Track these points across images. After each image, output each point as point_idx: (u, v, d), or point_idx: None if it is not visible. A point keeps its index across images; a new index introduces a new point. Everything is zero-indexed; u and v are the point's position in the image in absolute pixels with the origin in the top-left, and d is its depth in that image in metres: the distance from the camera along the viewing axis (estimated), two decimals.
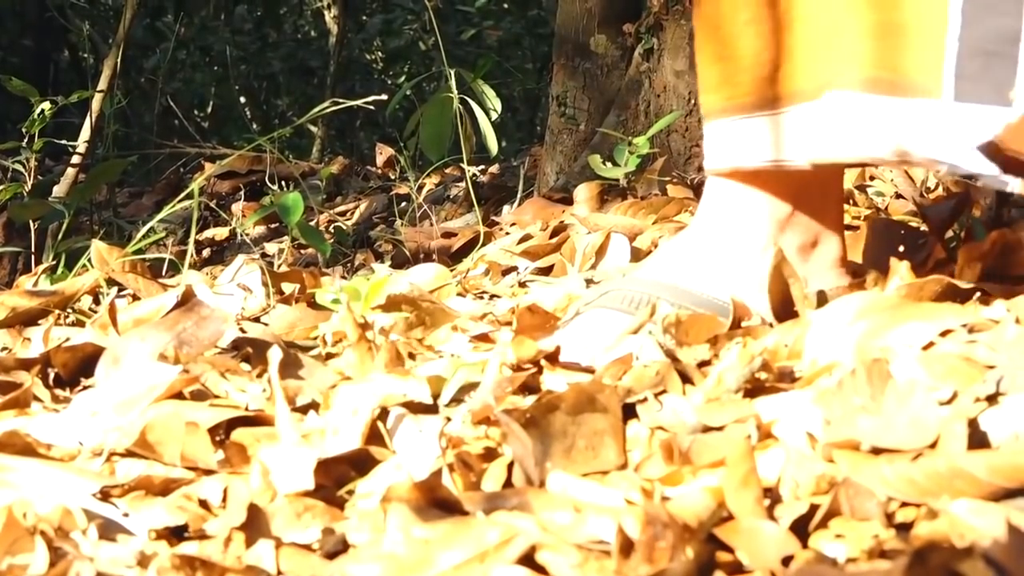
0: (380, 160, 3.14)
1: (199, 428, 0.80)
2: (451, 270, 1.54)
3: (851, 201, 1.61)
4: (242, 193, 2.80)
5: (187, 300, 1.13)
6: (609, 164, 1.95)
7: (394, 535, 0.64)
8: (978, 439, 0.66)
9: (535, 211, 1.95)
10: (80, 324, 1.31)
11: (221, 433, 0.83)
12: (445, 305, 1.23)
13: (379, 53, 6.68)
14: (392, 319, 1.13)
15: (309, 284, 1.46)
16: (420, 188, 2.59)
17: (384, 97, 1.80)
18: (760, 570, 0.59)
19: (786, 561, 0.60)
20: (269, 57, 6.22)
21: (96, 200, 2.51)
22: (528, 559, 0.61)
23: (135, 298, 1.41)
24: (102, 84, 2.45)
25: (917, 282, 0.91)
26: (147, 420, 0.81)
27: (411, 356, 0.99)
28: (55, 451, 0.82)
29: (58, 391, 1.02)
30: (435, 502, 0.67)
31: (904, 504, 0.63)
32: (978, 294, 0.94)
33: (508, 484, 0.72)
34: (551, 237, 1.64)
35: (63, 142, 2.43)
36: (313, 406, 0.88)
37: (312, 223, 2.17)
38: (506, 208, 2.31)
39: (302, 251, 2.09)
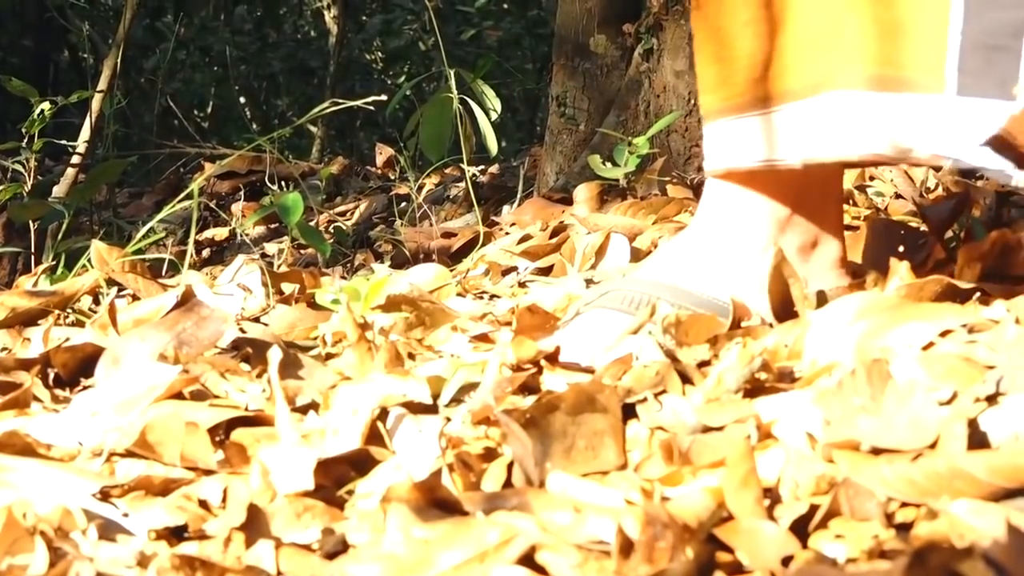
0: (380, 160, 3.14)
1: (199, 428, 0.80)
2: (451, 270, 1.54)
3: (851, 201, 1.61)
4: (242, 193, 2.80)
5: (187, 300, 1.13)
6: (609, 164, 1.95)
7: (394, 535, 0.64)
8: (978, 439, 0.66)
9: (535, 211, 1.95)
10: (80, 324, 1.31)
11: (221, 433, 0.83)
12: (445, 305, 1.23)
13: (379, 53, 6.68)
14: (392, 319, 1.13)
15: (309, 284, 1.46)
16: (420, 188, 2.59)
17: (384, 97, 1.80)
18: (760, 570, 0.59)
19: (786, 561, 0.60)
20: (269, 57, 6.22)
21: (96, 200, 2.51)
22: (528, 559, 0.61)
23: (135, 298, 1.41)
24: (102, 84, 2.45)
25: (917, 282, 0.91)
26: (147, 420, 0.81)
27: (411, 356, 0.99)
28: (55, 451, 0.82)
29: (58, 391, 1.02)
30: (435, 502, 0.67)
31: (904, 504, 0.63)
32: (978, 294, 0.94)
33: (508, 484, 0.72)
34: (551, 237, 1.64)
35: (63, 142, 2.43)
36: (313, 406, 0.88)
37: (312, 223, 2.17)
38: (506, 208, 2.31)
39: (302, 251, 2.09)
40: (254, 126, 6.11)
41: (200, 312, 1.01)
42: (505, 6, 6.39)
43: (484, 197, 2.40)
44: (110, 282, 1.44)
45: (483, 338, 1.06)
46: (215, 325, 1.01)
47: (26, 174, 2.10)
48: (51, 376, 1.05)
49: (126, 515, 0.72)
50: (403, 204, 2.48)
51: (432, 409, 0.83)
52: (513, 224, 1.94)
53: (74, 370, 1.05)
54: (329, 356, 1.06)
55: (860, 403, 0.70)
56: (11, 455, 0.80)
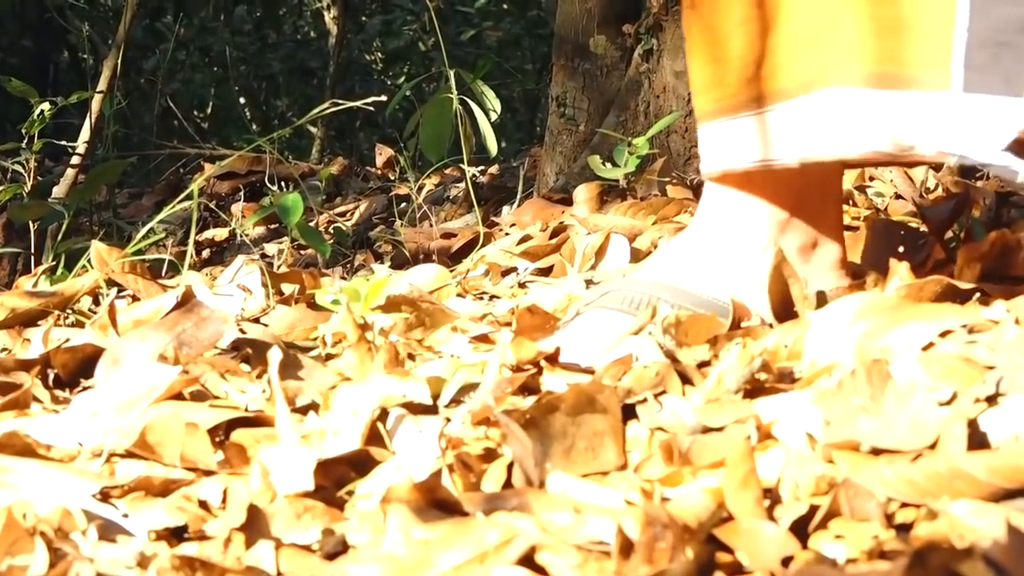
0: (380, 161, 3.14)
1: (199, 429, 0.80)
2: (451, 271, 1.55)
3: (851, 202, 1.61)
4: (242, 194, 2.80)
5: (187, 301, 1.13)
6: (609, 165, 1.95)
7: (394, 536, 0.64)
8: (978, 440, 0.66)
9: (535, 212, 1.95)
10: (80, 325, 1.31)
11: (221, 434, 0.83)
12: (445, 306, 1.23)
13: (379, 54, 6.68)
14: (392, 320, 1.13)
15: (309, 285, 1.46)
16: (420, 189, 2.59)
17: (384, 98, 1.80)
18: (760, 571, 0.59)
19: (786, 562, 0.60)
20: (269, 58, 6.22)
21: (96, 201, 2.51)
22: (528, 560, 0.61)
23: (135, 299, 1.41)
24: (102, 85, 2.45)
25: (917, 283, 0.91)
26: (147, 421, 0.81)
27: (411, 357, 0.99)
28: (55, 452, 0.82)
29: (58, 392, 1.02)
30: (435, 503, 0.67)
31: (904, 505, 0.63)
32: (978, 295, 0.94)
33: (508, 485, 0.72)
34: (551, 238, 1.64)
35: (63, 143, 2.43)
36: (313, 407, 0.88)
37: (312, 224, 2.17)
38: (506, 209, 2.31)
39: (302, 252, 2.09)
40: (254, 127, 6.11)
41: (200, 313, 1.01)
42: (505, 6, 6.39)
43: (484, 198, 2.40)
44: (110, 283, 1.44)
45: (483, 339, 1.06)
46: (215, 326, 1.01)
47: (26, 175, 2.10)
48: (51, 377, 1.05)
49: (126, 516, 0.72)
50: (403, 204, 2.48)
51: (432, 410, 0.83)
52: (513, 225, 1.95)
53: (74, 371, 1.05)
54: (329, 357, 1.06)
55: (860, 403, 0.70)
56: (11, 456, 0.80)
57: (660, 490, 0.68)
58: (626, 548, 0.59)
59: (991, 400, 0.69)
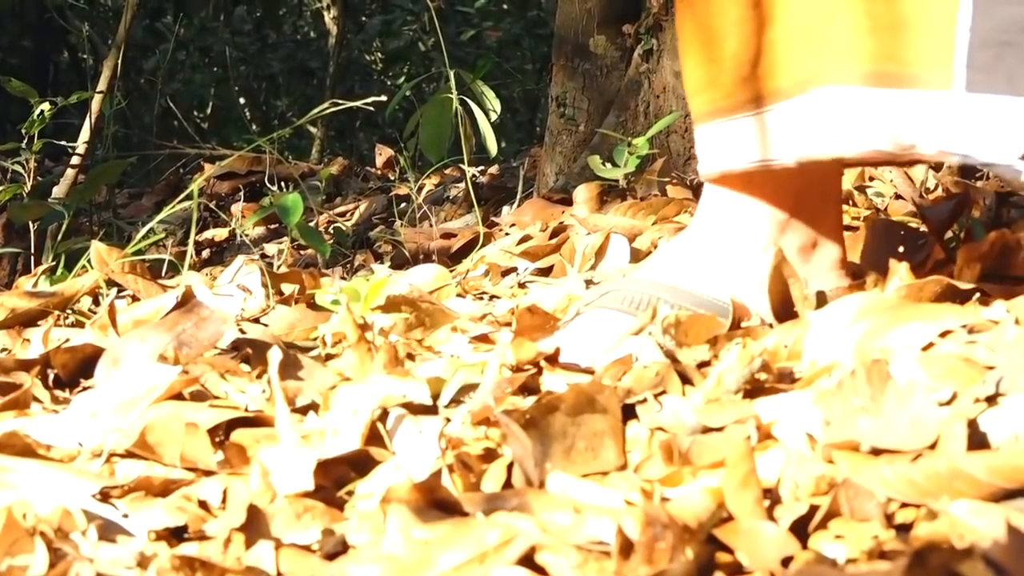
0: (380, 161, 3.14)
1: (199, 429, 0.80)
2: (451, 271, 1.55)
3: (850, 202, 1.61)
4: (242, 194, 2.80)
5: (187, 301, 1.13)
6: (609, 165, 1.95)
7: (394, 536, 0.64)
8: (978, 440, 0.66)
9: (535, 212, 1.95)
10: (80, 325, 1.31)
11: (221, 434, 0.83)
12: (445, 306, 1.23)
13: (379, 54, 6.68)
14: (392, 320, 1.13)
15: (309, 285, 1.46)
16: (420, 189, 2.59)
17: (384, 98, 1.80)
18: (760, 571, 0.59)
19: (786, 562, 0.60)
20: (269, 58, 6.22)
21: (96, 201, 2.51)
22: (528, 560, 0.61)
23: (135, 299, 1.41)
24: (102, 85, 2.45)
25: (917, 283, 0.91)
26: (147, 421, 0.81)
27: (411, 357, 0.99)
28: (55, 452, 0.82)
29: (58, 392, 1.02)
30: (435, 503, 0.67)
31: (904, 505, 0.63)
32: (977, 295, 0.94)
33: (508, 485, 0.72)
34: (551, 238, 1.64)
35: (63, 143, 2.43)
36: (313, 407, 0.88)
37: (312, 224, 2.17)
38: (506, 209, 2.31)
39: (302, 252, 2.09)
40: (254, 127, 6.11)
41: (200, 313, 1.01)
42: (505, 6, 6.39)
43: (484, 198, 2.40)
44: (110, 283, 1.44)
45: (483, 339, 1.06)
46: (215, 326, 1.01)
47: (26, 175, 2.10)
48: (51, 377, 1.05)
49: (126, 516, 0.72)
50: (403, 205, 2.48)
51: (432, 410, 0.83)
52: (513, 225, 1.95)
53: (74, 371, 1.05)
54: (329, 357, 1.06)
55: (860, 403, 0.70)
56: (11, 456, 0.80)
57: (660, 490, 0.68)
58: (626, 548, 0.59)
59: (991, 400, 0.69)
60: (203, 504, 0.73)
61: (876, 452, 0.66)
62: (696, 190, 1.81)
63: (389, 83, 6.50)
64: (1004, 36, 0.83)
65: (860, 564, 0.59)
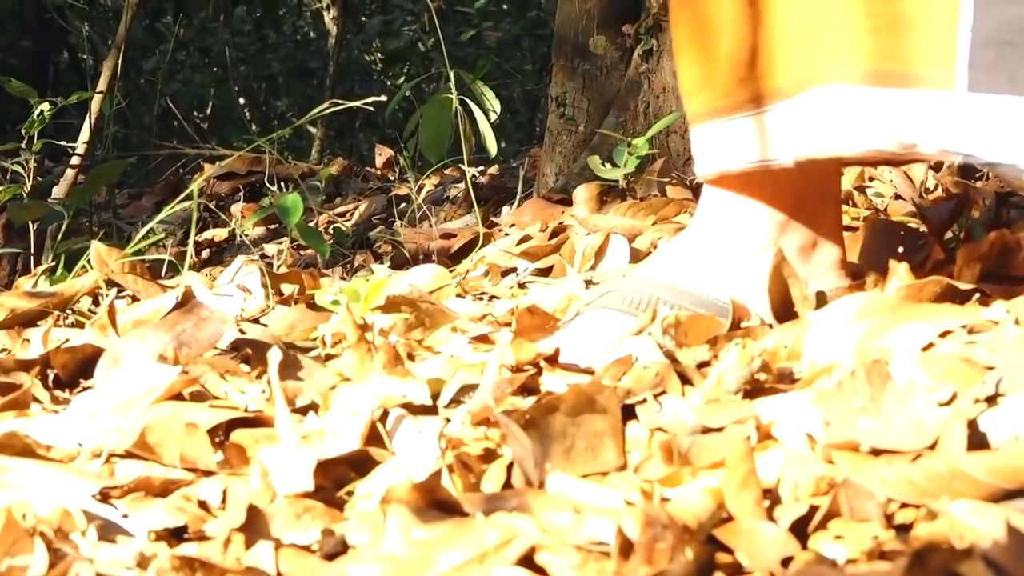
0: (379, 161, 3.14)
1: (198, 429, 0.80)
2: (450, 271, 1.55)
3: (850, 202, 1.61)
4: (241, 194, 2.80)
5: (186, 301, 1.14)
6: (608, 165, 1.95)
7: (394, 536, 0.64)
8: (977, 440, 0.66)
9: (534, 212, 1.95)
10: (79, 325, 1.31)
11: (220, 434, 0.83)
12: (444, 306, 1.23)
13: (378, 54, 6.68)
14: (391, 320, 1.13)
15: (308, 285, 1.46)
16: (419, 189, 2.59)
17: (383, 98, 1.80)
18: (760, 571, 0.59)
19: (786, 562, 0.60)
20: (268, 58, 6.22)
21: (95, 201, 2.51)
22: (528, 560, 0.61)
23: (134, 299, 1.41)
24: (101, 85, 2.45)
25: (916, 283, 0.91)
26: (146, 421, 0.81)
27: (410, 357, 0.99)
28: (54, 452, 0.82)
29: (57, 392, 1.02)
30: (434, 503, 0.67)
31: (904, 505, 0.63)
32: (977, 295, 0.94)
33: (507, 485, 0.72)
34: (550, 238, 1.64)
35: (63, 143, 2.43)
36: (313, 407, 0.88)
37: (311, 224, 2.17)
38: (505, 209, 2.31)
39: (301, 252, 2.09)
40: (254, 127, 6.11)
41: (200, 313, 1.01)
42: (505, 7, 6.39)
43: (484, 198, 2.40)
44: (110, 283, 1.44)
45: (483, 339, 1.06)
46: (215, 326, 1.01)
47: (26, 175, 2.10)
48: (51, 377, 1.05)
49: (126, 516, 0.72)
50: (403, 205, 2.48)
51: (432, 410, 0.83)
52: (513, 225, 1.95)
53: (74, 371, 1.05)
54: (329, 357, 1.06)
55: (860, 404, 0.70)
56: (11, 456, 0.80)
57: (660, 490, 0.68)
58: (626, 548, 0.59)
59: (991, 400, 0.69)
60: (203, 504, 0.73)
61: (876, 452, 0.66)
62: (696, 190, 1.81)
63: (389, 83, 6.50)
64: (1006, 36, 0.83)
65: (860, 564, 0.59)
